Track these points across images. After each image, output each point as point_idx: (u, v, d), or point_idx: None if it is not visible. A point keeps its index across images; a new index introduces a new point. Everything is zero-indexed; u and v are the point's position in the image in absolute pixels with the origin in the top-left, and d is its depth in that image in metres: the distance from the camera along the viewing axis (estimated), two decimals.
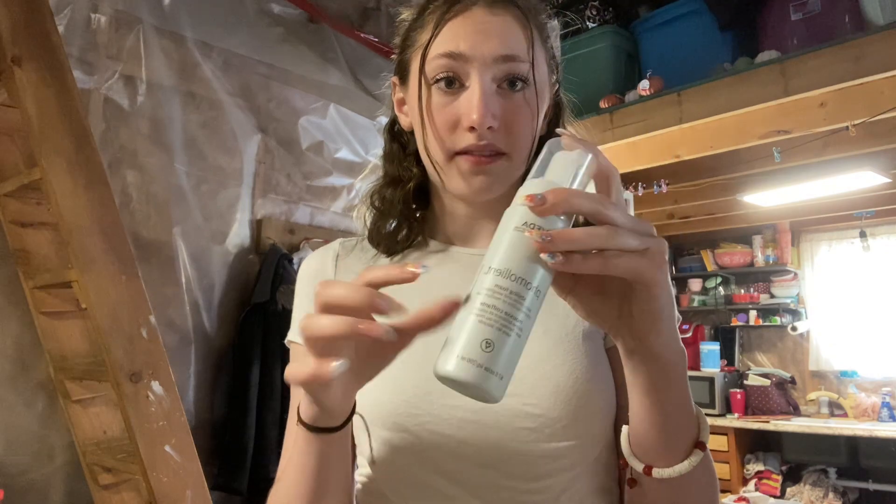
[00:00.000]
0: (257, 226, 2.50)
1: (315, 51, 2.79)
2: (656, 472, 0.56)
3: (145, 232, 2.17)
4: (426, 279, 0.72)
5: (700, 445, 0.56)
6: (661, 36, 2.55)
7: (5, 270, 1.89)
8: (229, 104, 2.45)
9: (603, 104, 2.51)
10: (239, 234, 2.45)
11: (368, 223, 0.78)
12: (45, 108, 1.69)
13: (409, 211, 0.75)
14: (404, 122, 0.74)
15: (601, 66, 2.60)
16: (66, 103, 1.74)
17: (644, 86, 2.41)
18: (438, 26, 0.64)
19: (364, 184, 0.83)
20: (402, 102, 0.74)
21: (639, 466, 0.57)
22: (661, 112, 2.36)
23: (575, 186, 0.46)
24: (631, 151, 2.75)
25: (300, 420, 0.54)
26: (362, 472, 0.71)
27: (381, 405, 0.67)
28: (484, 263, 0.45)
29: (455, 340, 0.43)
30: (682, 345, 0.52)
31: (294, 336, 0.76)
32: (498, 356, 0.42)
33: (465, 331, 0.43)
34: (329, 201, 2.76)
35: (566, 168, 0.46)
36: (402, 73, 0.71)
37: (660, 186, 3.11)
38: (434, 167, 0.68)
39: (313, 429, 0.54)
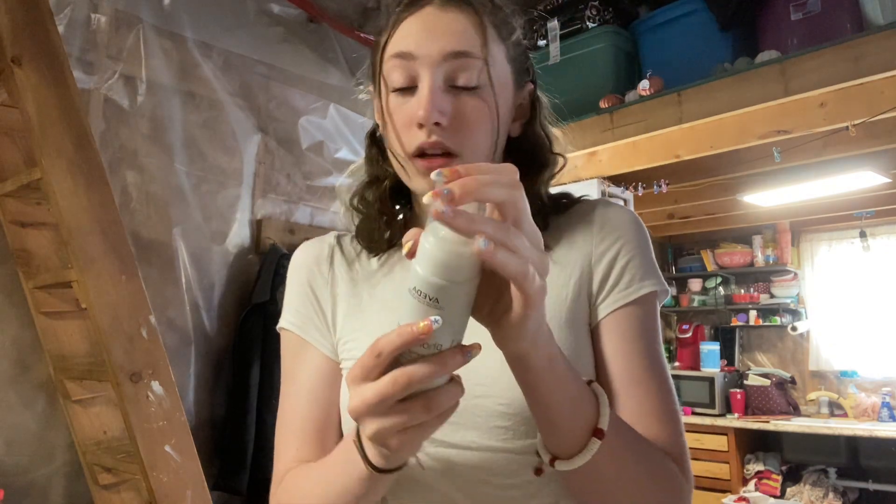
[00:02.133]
0: (257, 226, 2.50)
1: (315, 51, 2.79)
2: (558, 465, 0.57)
3: (145, 232, 2.17)
4: (404, 276, 0.73)
5: (598, 433, 0.56)
6: (661, 36, 2.55)
7: (5, 270, 1.89)
8: (229, 104, 2.45)
9: (603, 104, 2.51)
10: (239, 234, 2.45)
11: (355, 222, 0.79)
12: (45, 108, 1.70)
13: (387, 210, 0.76)
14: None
15: (601, 66, 2.60)
16: (66, 103, 1.74)
17: (644, 86, 2.41)
18: (392, 28, 0.65)
19: (347, 183, 0.84)
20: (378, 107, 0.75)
21: (546, 457, 0.59)
22: (661, 112, 2.36)
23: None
24: (631, 151, 2.75)
25: (371, 465, 0.53)
26: None
27: None
28: (396, 318, 0.47)
29: None
30: (555, 348, 0.53)
31: (286, 323, 0.77)
32: None
33: None
34: (329, 201, 2.76)
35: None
36: (373, 77, 0.72)
37: (660, 186, 3.11)
38: (396, 166, 0.69)
39: (384, 471, 0.53)
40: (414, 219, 0.78)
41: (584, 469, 0.56)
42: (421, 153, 0.64)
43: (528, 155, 0.74)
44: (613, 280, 0.69)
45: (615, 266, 0.69)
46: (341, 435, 0.74)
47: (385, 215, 0.76)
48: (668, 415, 0.66)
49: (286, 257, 2.42)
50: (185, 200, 2.29)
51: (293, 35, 2.72)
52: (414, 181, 0.67)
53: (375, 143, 0.78)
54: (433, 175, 0.43)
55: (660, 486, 0.61)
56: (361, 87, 0.78)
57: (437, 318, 0.44)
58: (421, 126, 0.63)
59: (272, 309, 2.31)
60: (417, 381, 0.45)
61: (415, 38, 0.64)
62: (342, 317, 0.75)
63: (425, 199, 0.43)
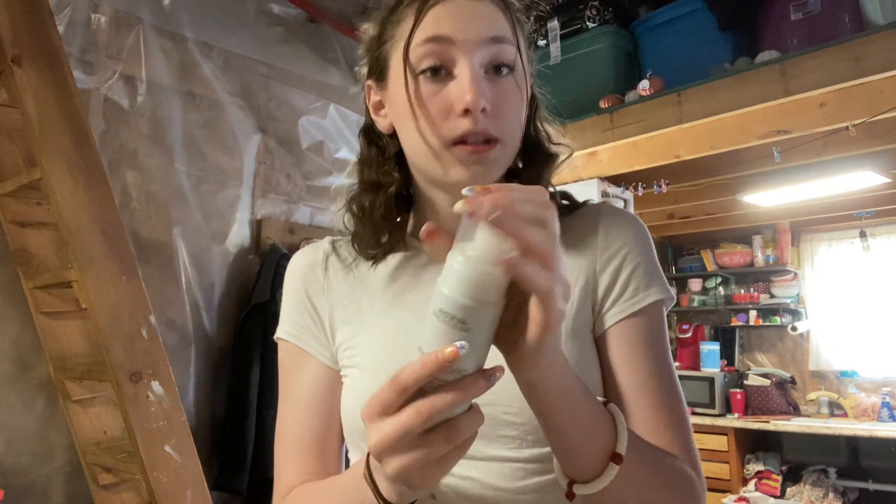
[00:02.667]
0: (257, 226, 2.50)
1: (315, 51, 2.79)
2: (576, 489, 0.56)
3: (145, 232, 2.17)
4: (405, 282, 0.72)
5: (615, 458, 0.54)
6: (661, 36, 2.55)
7: (5, 270, 1.89)
8: (229, 104, 2.45)
9: (603, 104, 2.51)
10: (239, 234, 2.45)
11: (351, 227, 0.76)
12: (45, 108, 1.70)
13: (390, 216, 0.73)
14: (382, 124, 0.71)
15: (601, 66, 2.60)
16: (66, 103, 1.74)
17: (644, 86, 2.41)
18: (421, 14, 0.62)
19: (347, 184, 0.79)
20: (378, 105, 0.71)
21: (564, 481, 0.57)
22: (661, 112, 2.36)
23: (500, 247, 0.44)
24: (631, 151, 2.75)
25: (383, 500, 0.51)
26: None
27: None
28: (417, 340, 0.46)
29: None
30: (570, 380, 0.52)
31: (282, 333, 0.75)
32: None
33: None
34: (329, 201, 2.76)
35: (489, 236, 0.44)
36: (380, 72, 0.69)
37: (660, 186, 3.11)
38: (426, 159, 0.65)
39: None
40: (416, 219, 0.75)
41: (604, 491, 0.55)
42: (461, 141, 0.62)
43: (530, 151, 0.72)
44: (619, 289, 0.68)
45: (620, 275, 0.68)
46: (342, 443, 0.73)
47: (386, 223, 0.73)
48: (678, 424, 0.65)
49: (286, 257, 2.42)
50: (185, 200, 2.29)
51: (293, 35, 2.71)
52: (453, 171, 0.63)
53: (374, 141, 0.75)
54: (464, 190, 0.43)
55: (679, 495, 0.61)
56: (358, 68, 0.75)
57: (464, 343, 0.43)
58: (466, 112, 0.60)
59: (272, 309, 2.31)
60: (441, 411, 0.43)
61: (451, 22, 0.61)
62: (340, 323, 0.73)
63: (456, 207, 0.42)
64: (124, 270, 1.74)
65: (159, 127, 2.25)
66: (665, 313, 0.70)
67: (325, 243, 0.80)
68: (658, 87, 2.39)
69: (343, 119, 2.85)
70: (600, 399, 0.58)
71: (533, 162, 0.72)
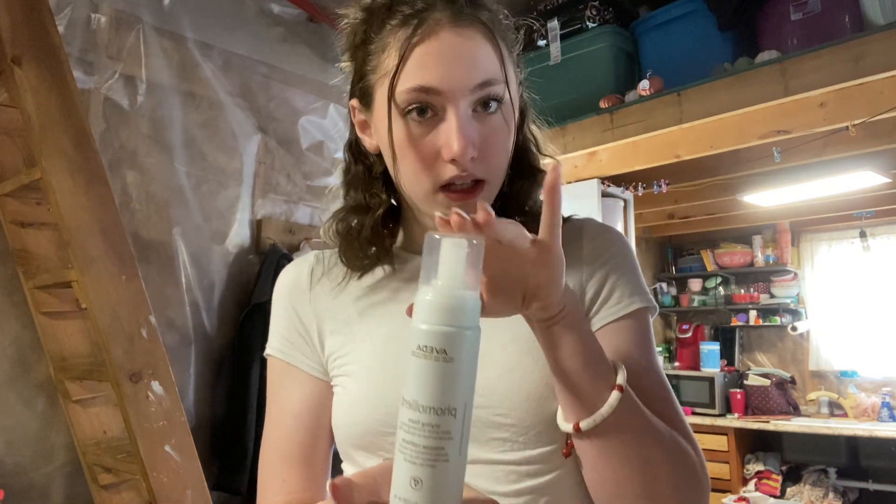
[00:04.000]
0: (257, 226, 2.50)
1: (315, 51, 2.79)
2: (583, 424, 0.55)
3: (145, 232, 2.17)
4: (392, 288, 0.72)
5: (617, 388, 0.56)
6: (661, 36, 2.55)
7: (5, 270, 1.89)
8: (229, 104, 2.45)
9: (603, 104, 2.51)
10: (239, 234, 2.45)
11: (337, 241, 0.75)
12: (45, 108, 1.70)
13: (376, 238, 0.72)
14: (369, 143, 0.71)
15: (601, 66, 2.60)
16: (66, 103, 1.74)
17: (644, 86, 2.41)
18: (404, 54, 0.61)
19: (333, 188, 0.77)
20: (364, 125, 0.71)
21: (568, 427, 0.57)
22: (661, 112, 2.36)
23: (469, 272, 0.43)
24: (631, 151, 2.75)
25: None
26: None
27: (355, 425, 0.67)
28: (400, 393, 0.43)
29: (394, 477, 0.42)
30: (582, 314, 0.58)
31: (271, 349, 0.75)
32: (430, 491, 0.41)
33: (396, 469, 0.42)
34: (329, 201, 2.76)
35: (455, 261, 0.43)
36: (366, 99, 0.68)
37: (660, 186, 3.11)
38: (411, 198, 0.66)
39: None
40: (405, 232, 0.76)
41: (606, 430, 0.55)
42: (448, 184, 0.62)
43: (517, 162, 0.72)
44: (605, 295, 0.69)
45: (606, 283, 0.69)
46: (330, 456, 0.73)
47: (374, 240, 0.73)
48: (675, 415, 0.65)
49: (286, 257, 2.42)
50: (185, 200, 2.29)
51: (293, 35, 2.71)
52: (435, 212, 0.64)
53: (360, 159, 0.74)
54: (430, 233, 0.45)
55: (676, 462, 0.60)
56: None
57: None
58: (453, 161, 0.60)
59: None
60: None
61: (437, 70, 0.60)
62: (329, 333, 0.73)
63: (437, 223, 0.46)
64: (124, 270, 1.74)
65: (159, 127, 2.25)
66: (650, 323, 0.71)
67: (310, 257, 0.80)
68: (658, 87, 2.39)
69: (343, 119, 2.85)
70: None
71: (520, 175, 0.72)
